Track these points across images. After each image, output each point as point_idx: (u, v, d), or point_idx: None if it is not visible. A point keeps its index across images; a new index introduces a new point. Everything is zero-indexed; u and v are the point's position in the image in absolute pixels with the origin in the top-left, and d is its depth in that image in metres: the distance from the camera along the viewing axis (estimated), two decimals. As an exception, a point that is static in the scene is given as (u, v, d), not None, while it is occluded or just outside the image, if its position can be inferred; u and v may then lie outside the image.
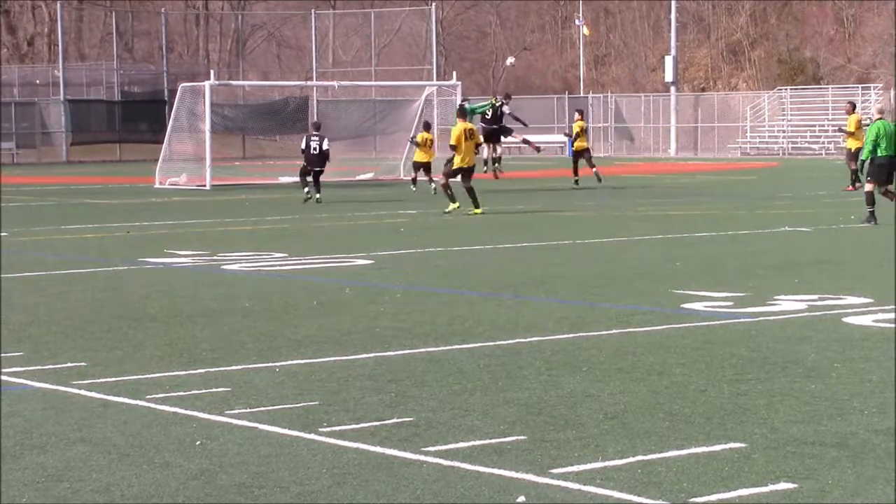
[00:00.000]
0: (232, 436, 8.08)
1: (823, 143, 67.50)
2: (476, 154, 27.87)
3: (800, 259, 18.09)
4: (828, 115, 68.49)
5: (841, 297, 13.93)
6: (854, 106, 36.52)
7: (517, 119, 39.61)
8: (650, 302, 13.76)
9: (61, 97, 67.18)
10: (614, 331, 11.92)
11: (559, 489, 6.89)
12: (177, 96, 43.09)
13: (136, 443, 7.94)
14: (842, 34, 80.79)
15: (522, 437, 7.95)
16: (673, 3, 74.06)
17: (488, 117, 37.34)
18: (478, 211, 26.69)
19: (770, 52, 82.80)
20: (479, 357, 10.65)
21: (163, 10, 75.07)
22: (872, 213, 23.42)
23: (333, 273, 16.98)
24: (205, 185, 38.96)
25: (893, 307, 13.08)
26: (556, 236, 22.10)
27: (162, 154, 42.36)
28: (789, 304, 13.45)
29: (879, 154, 23.53)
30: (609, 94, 77.52)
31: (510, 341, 11.39)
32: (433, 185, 32.91)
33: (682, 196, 34.04)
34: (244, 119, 59.90)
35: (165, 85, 69.51)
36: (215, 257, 18.95)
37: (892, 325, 12.01)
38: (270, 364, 10.40)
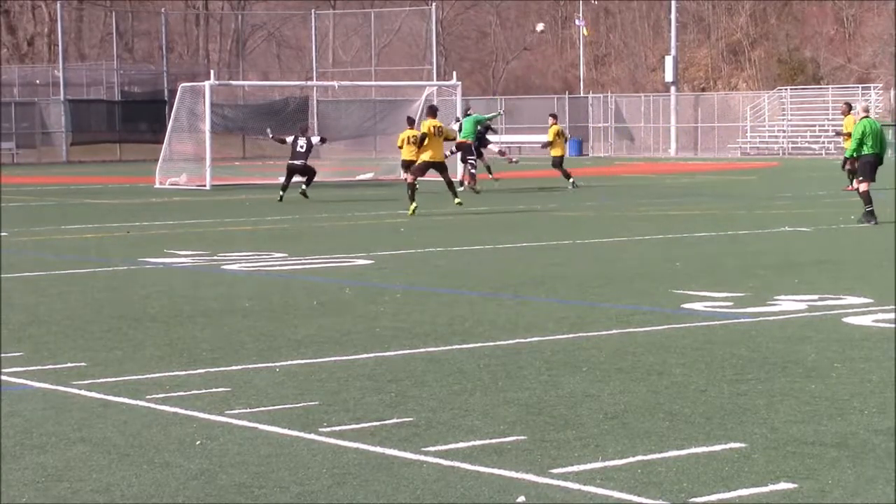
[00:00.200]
0: (232, 436, 8.08)
1: (823, 143, 67.50)
2: (448, 155, 27.96)
3: (800, 259, 18.09)
4: (828, 115, 68.50)
5: (841, 297, 13.93)
6: (850, 107, 36.51)
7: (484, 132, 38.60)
8: (650, 302, 13.76)
9: (61, 97, 67.19)
10: (614, 331, 11.92)
11: (559, 489, 6.89)
12: (177, 96, 43.10)
13: (136, 443, 7.94)
14: (842, 34, 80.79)
15: (522, 437, 7.95)
16: (673, 3, 74.06)
17: (494, 127, 36.93)
18: (458, 201, 27.21)
19: (770, 52, 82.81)
20: (479, 357, 10.65)
21: (163, 10, 75.07)
22: (871, 211, 23.46)
23: (333, 273, 16.97)
24: (205, 185, 38.96)
25: (893, 307, 13.08)
26: (556, 236, 22.10)
27: (162, 154, 42.37)
28: (789, 304, 13.45)
29: (865, 152, 23.74)
30: (609, 94, 77.52)
31: (510, 341, 11.39)
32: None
33: (682, 196, 34.04)
34: (244, 119, 59.91)
35: (165, 85, 69.51)
36: (215, 257, 18.95)
37: (892, 325, 12.01)
38: (270, 364, 10.40)
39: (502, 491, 6.85)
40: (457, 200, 27.40)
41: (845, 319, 12.45)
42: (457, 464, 7.37)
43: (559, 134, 37.76)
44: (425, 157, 26.94)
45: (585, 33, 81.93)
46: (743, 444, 7.72)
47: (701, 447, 7.67)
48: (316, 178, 33.22)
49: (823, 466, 7.27)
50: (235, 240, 22.08)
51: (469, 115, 37.63)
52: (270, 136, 35.01)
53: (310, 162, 32.90)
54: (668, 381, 9.62)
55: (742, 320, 12.45)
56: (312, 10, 73.25)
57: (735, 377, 9.72)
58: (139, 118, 68.47)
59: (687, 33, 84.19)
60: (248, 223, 25.91)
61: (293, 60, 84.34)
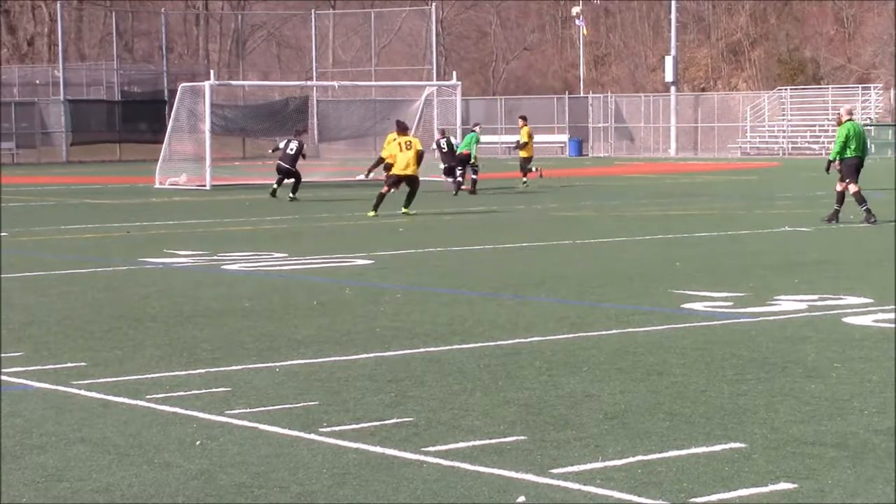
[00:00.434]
0: (232, 436, 8.08)
1: (823, 143, 67.50)
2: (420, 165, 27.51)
3: (800, 259, 18.09)
4: (828, 115, 68.50)
5: (841, 297, 13.93)
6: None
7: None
8: (650, 302, 13.76)
9: (61, 97, 67.20)
10: (614, 331, 11.91)
11: (559, 489, 6.89)
12: (177, 96, 43.11)
13: (136, 443, 7.94)
14: (842, 34, 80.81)
15: (522, 437, 7.95)
16: (673, 3, 74.06)
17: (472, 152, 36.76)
18: (406, 210, 26.73)
19: (770, 52, 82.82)
20: (479, 357, 10.64)
21: (163, 10, 75.09)
22: (868, 210, 23.59)
23: (333, 273, 16.97)
24: (205, 185, 38.97)
25: (893, 307, 13.08)
26: (556, 236, 22.10)
27: (162, 154, 42.37)
28: (789, 304, 13.45)
29: (849, 154, 23.86)
30: (609, 94, 77.53)
31: (510, 341, 11.39)
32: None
33: (682, 196, 34.04)
34: (244, 120, 59.91)
35: (165, 85, 69.53)
36: (215, 257, 18.95)
37: (892, 325, 12.01)
38: (270, 364, 10.40)
39: (502, 491, 6.85)
40: (406, 211, 26.78)
41: (845, 319, 12.45)
42: (457, 464, 7.37)
43: (531, 136, 38.91)
44: (398, 170, 26.79)
45: (585, 33, 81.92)
46: (743, 444, 7.72)
47: (701, 447, 7.66)
48: (316, 179, 33.47)
49: (823, 466, 7.27)
50: (235, 240, 22.08)
51: (474, 131, 37.88)
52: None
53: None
54: (668, 381, 9.61)
55: (742, 320, 12.45)
56: (312, 10, 73.27)
57: (735, 377, 9.72)
58: (139, 118, 68.48)
59: (687, 33, 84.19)
60: (248, 223, 25.91)
61: (293, 60, 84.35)
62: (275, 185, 33.19)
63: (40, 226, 25.23)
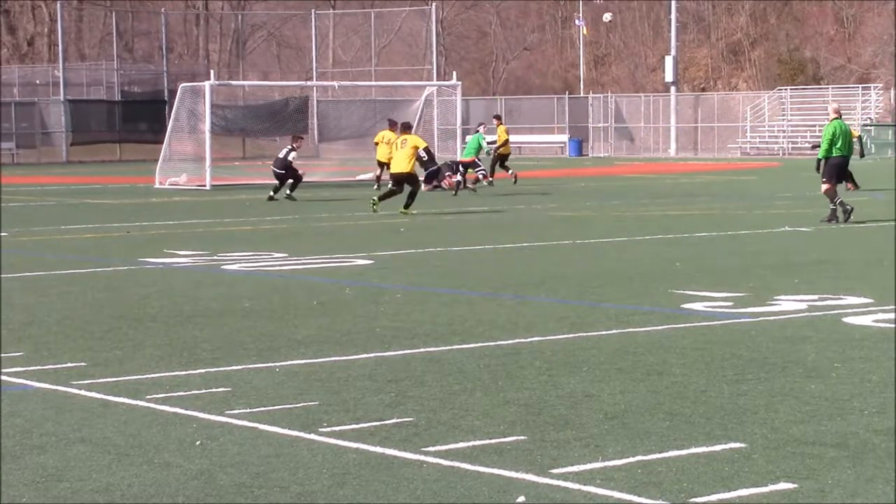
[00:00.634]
0: (232, 436, 8.08)
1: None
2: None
3: (800, 259, 18.09)
4: (828, 115, 68.45)
5: (841, 297, 13.93)
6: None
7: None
8: (650, 302, 13.76)
9: (61, 97, 67.18)
10: (614, 331, 11.92)
11: (559, 489, 6.89)
12: (177, 96, 43.10)
13: (136, 443, 7.94)
14: (842, 34, 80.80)
15: (522, 437, 7.95)
16: (673, 3, 74.06)
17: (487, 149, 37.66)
18: (405, 210, 26.67)
19: (770, 52, 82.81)
20: (479, 357, 10.64)
21: (163, 10, 75.07)
22: (837, 208, 23.71)
23: (333, 273, 16.97)
24: (205, 185, 38.96)
25: (893, 307, 13.08)
26: (556, 236, 22.10)
27: (162, 154, 42.36)
28: (789, 304, 13.45)
29: (834, 154, 23.93)
30: (609, 94, 77.52)
31: (510, 341, 11.39)
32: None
33: (682, 196, 34.04)
34: (244, 120, 59.89)
35: (165, 85, 69.51)
36: (215, 257, 18.95)
37: (892, 325, 12.01)
38: (270, 364, 10.40)
39: (502, 491, 6.85)
40: (405, 211, 26.66)
41: (845, 319, 12.45)
42: (457, 464, 7.37)
43: (507, 133, 40.21)
44: (392, 169, 27.00)
45: (585, 33, 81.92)
46: (743, 444, 7.72)
47: (701, 447, 7.66)
48: (316, 179, 33.50)
49: (823, 466, 7.27)
50: (235, 240, 22.08)
51: (478, 132, 37.94)
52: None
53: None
54: (668, 381, 9.62)
55: (742, 320, 12.45)
56: (312, 10, 73.25)
57: (735, 377, 9.72)
58: (139, 118, 68.46)
59: (687, 33, 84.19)
60: (248, 223, 25.91)
61: (293, 60, 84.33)
62: (272, 193, 32.99)
63: (40, 226, 25.23)
